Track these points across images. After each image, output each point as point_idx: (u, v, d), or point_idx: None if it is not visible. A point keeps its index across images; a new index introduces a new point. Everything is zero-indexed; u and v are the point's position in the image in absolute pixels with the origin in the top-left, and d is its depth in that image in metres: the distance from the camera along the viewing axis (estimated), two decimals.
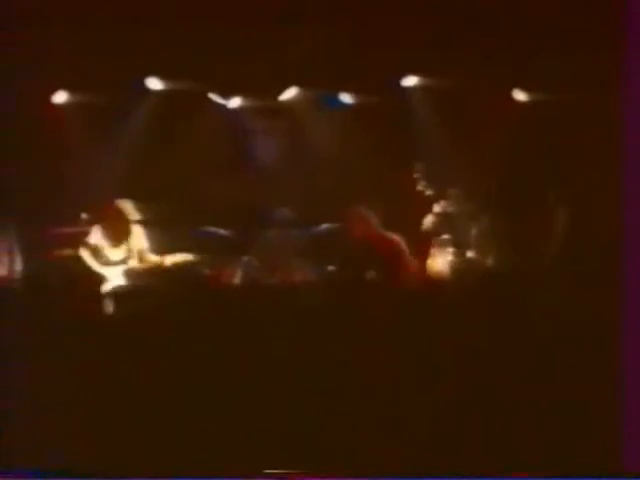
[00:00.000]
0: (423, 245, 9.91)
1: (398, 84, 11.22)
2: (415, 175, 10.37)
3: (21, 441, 5.34)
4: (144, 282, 8.98)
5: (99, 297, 8.03)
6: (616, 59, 6.19)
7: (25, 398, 5.49)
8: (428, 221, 10.22)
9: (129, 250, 9.42)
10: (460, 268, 9.54)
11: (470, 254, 9.86)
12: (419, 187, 10.32)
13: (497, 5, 10.11)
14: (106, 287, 8.99)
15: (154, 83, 11.10)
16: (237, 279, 9.64)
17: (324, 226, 10.29)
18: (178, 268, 9.37)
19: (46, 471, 5.02)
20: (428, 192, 10.30)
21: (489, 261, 9.59)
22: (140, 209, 10.21)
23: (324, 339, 5.76)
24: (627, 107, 5.71)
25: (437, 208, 10.24)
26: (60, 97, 11.05)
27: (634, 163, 5.67)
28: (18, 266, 9.76)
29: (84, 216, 9.94)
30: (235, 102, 11.48)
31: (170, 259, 9.45)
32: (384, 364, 5.62)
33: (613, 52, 6.35)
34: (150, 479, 5.12)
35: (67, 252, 9.61)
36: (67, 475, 5.04)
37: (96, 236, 9.38)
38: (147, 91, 11.13)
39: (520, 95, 11.15)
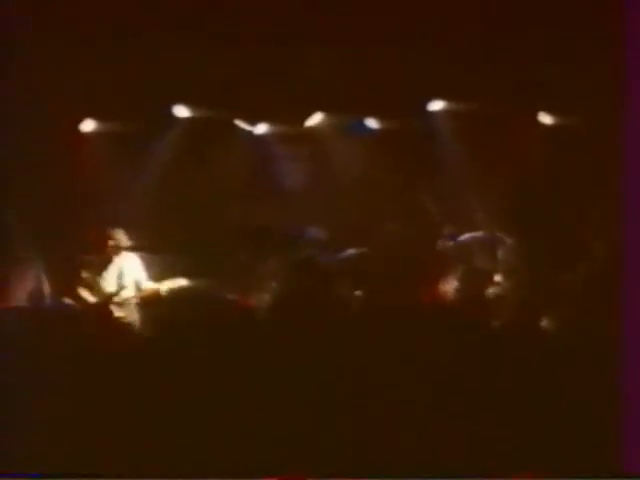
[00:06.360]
0: (447, 269, 9.85)
1: (424, 109, 11.20)
2: (441, 200, 10.34)
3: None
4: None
5: None
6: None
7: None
8: (453, 246, 10.17)
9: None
10: (486, 292, 9.45)
11: (497, 278, 9.79)
12: (445, 212, 10.29)
13: (524, 29, 10.08)
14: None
15: (181, 110, 11.16)
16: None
17: (350, 251, 10.26)
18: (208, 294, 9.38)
19: (46, 472, 5.05)
20: (454, 217, 10.26)
21: (512, 284, 9.51)
22: (168, 235, 10.29)
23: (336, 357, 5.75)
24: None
25: (463, 233, 10.18)
26: (87, 125, 11.12)
27: None
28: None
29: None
30: (261, 128, 11.51)
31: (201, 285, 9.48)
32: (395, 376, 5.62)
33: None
34: None
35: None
36: (66, 476, 5.07)
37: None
38: (174, 118, 11.18)
39: (547, 118, 11.09)
